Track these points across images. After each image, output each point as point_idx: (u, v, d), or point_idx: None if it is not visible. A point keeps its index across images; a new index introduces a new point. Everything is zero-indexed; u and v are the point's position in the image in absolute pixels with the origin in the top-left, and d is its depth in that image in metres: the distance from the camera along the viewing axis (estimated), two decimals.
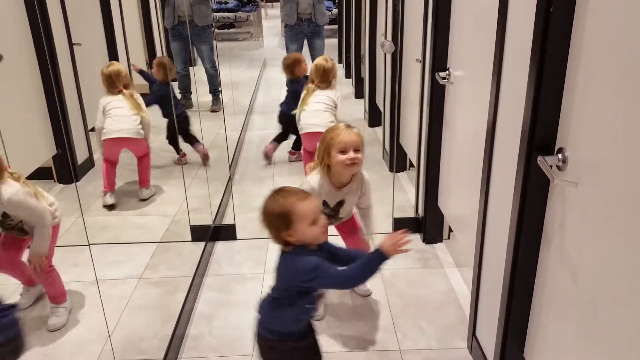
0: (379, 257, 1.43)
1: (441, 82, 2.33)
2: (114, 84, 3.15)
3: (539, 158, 1.32)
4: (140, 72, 3.69)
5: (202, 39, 4.78)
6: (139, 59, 4.39)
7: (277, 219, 1.43)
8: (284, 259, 1.50)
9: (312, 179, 2.02)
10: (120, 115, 3.12)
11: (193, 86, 4.73)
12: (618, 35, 1.09)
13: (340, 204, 2.09)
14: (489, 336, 1.79)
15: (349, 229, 2.28)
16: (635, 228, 1.04)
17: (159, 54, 4.61)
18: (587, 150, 1.22)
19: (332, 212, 2.12)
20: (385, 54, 3.66)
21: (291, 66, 3.84)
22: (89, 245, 2.47)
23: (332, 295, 2.35)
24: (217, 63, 4.84)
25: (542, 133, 1.36)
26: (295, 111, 3.40)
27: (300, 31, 5.05)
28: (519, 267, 1.55)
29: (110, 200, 3.24)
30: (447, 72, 2.33)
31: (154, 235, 2.98)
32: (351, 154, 1.92)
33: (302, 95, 3.36)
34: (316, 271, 1.42)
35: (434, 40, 2.37)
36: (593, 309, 1.22)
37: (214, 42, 4.97)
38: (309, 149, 3.39)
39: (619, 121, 1.09)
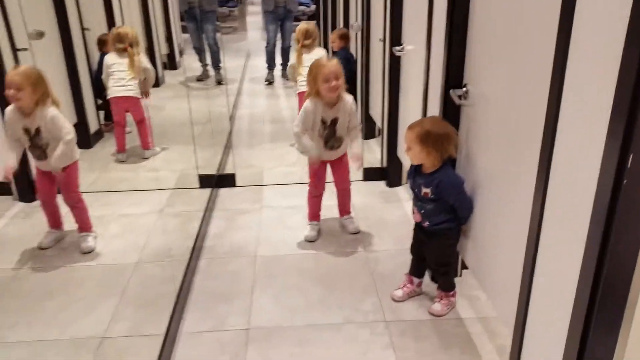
0: None
1: (396, 54, 3.04)
2: (120, 42, 3.63)
3: (450, 91, 2.03)
4: None
5: (207, 20, 5.74)
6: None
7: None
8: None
9: (307, 104, 2.63)
10: (119, 78, 3.65)
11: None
12: (498, 4, 1.80)
13: (335, 121, 2.67)
14: None
15: (341, 167, 2.85)
16: (511, 137, 1.74)
17: (155, 39, 5.25)
18: (480, 85, 1.93)
19: (331, 131, 2.67)
20: (356, 43, 4.37)
21: (343, 36, 4.57)
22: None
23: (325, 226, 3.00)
24: (218, 41, 5.84)
25: (453, 75, 2.07)
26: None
27: (277, 16, 6.45)
28: None
29: (121, 158, 3.90)
30: (401, 46, 3.03)
31: (167, 185, 3.63)
32: (333, 82, 2.51)
33: (295, 56, 3.99)
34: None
35: (392, 21, 3.07)
36: (495, 199, 1.94)
37: (217, 23, 6.07)
38: None
39: (499, 66, 1.80)
